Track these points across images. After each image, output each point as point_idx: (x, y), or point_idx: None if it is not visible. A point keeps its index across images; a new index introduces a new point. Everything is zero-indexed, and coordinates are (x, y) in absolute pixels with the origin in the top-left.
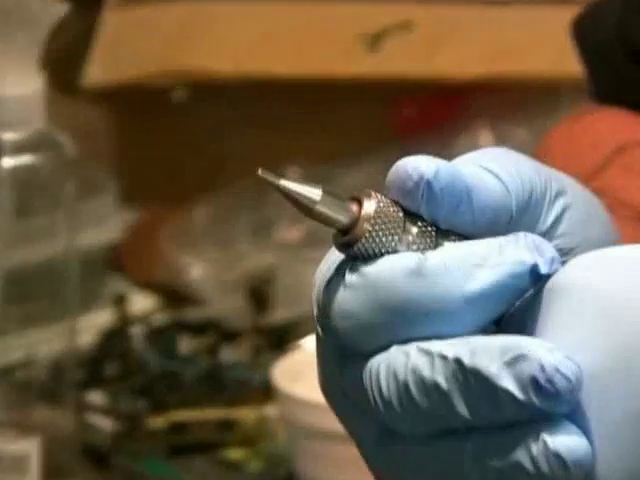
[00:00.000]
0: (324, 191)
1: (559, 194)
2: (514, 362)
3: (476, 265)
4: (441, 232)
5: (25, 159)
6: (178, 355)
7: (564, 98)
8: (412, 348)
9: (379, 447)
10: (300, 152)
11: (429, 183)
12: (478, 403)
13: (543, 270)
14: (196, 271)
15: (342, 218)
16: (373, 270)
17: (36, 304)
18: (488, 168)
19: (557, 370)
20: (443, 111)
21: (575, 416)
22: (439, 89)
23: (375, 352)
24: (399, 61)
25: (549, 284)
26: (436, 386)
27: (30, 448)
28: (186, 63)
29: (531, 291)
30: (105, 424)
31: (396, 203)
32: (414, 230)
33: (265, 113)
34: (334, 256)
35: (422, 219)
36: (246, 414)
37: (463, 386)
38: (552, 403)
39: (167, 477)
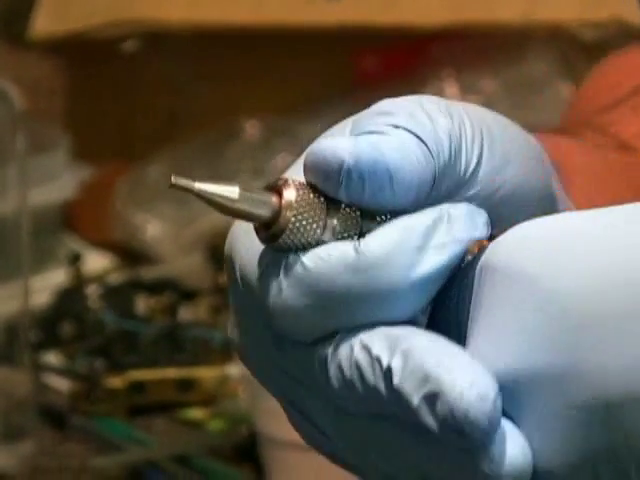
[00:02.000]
0: (241, 188)
1: (475, 135)
2: (432, 399)
3: (417, 248)
4: (365, 212)
5: None
6: (135, 315)
7: (533, 47)
8: (356, 342)
9: (336, 421)
10: (258, 104)
11: (349, 171)
12: (407, 417)
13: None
14: (152, 229)
15: (263, 212)
16: (308, 263)
17: None
18: (413, 131)
19: (466, 416)
20: (406, 61)
21: (510, 409)
22: (402, 38)
23: (317, 341)
24: (359, 10)
25: (482, 261)
26: (377, 391)
27: None
28: (136, 12)
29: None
30: (62, 385)
31: (316, 188)
32: (338, 215)
33: (220, 64)
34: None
35: (344, 212)
36: (206, 373)
37: (395, 400)
38: (466, 441)
39: (126, 437)
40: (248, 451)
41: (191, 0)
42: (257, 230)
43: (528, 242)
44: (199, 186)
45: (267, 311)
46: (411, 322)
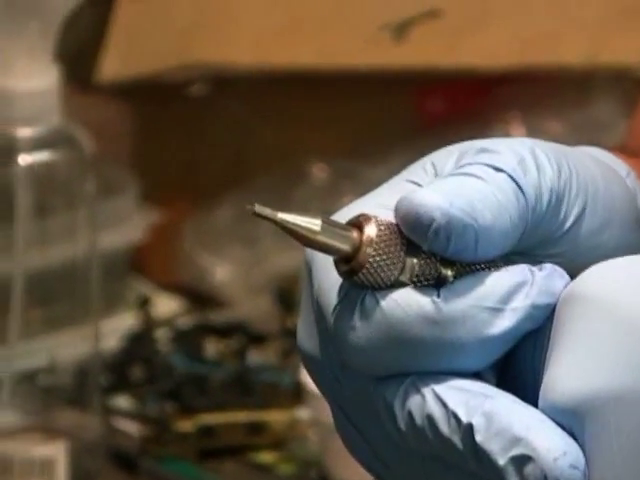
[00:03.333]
0: (323, 220)
1: (578, 195)
2: (521, 462)
3: (493, 310)
4: (443, 258)
5: (42, 156)
6: (205, 358)
7: (598, 89)
8: (428, 392)
9: (398, 454)
10: (325, 146)
11: (437, 230)
12: (488, 476)
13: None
14: (221, 272)
15: (344, 246)
16: (386, 308)
17: (58, 307)
18: (513, 176)
19: None
20: (472, 102)
21: (589, 435)
22: (468, 80)
23: (383, 378)
24: (426, 51)
25: (565, 292)
26: (452, 444)
27: (57, 452)
28: (203, 56)
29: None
30: (132, 428)
31: (398, 226)
32: (418, 258)
33: (288, 106)
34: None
35: (424, 255)
36: (275, 417)
37: (475, 454)
38: None
39: None
40: None
41: (257, 43)
42: (336, 263)
43: (620, 273)
44: (282, 216)
45: (338, 342)
46: (478, 374)
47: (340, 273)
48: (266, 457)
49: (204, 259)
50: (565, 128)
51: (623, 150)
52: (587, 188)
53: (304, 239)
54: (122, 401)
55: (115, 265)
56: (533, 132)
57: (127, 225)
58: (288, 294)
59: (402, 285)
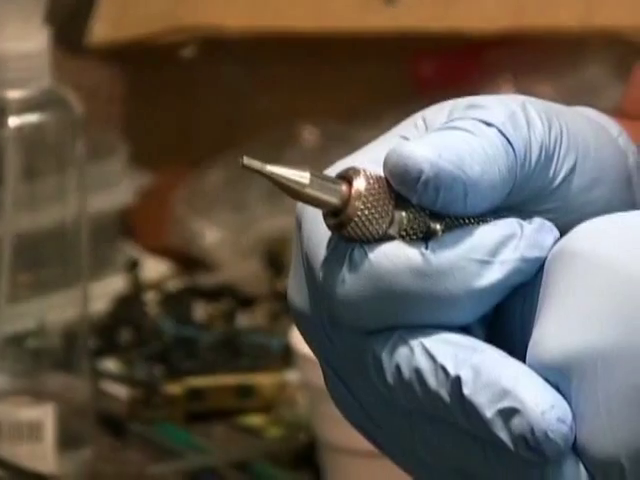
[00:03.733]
0: (312, 174)
1: (569, 152)
2: (508, 414)
3: (482, 262)
4: (434, 212)
5: (32, 118)
6: (194, 321)
7: (590, 53)
8: (416, 345)
9: (385, 409)
10: (316, 110)
11: (426, 182)
12: (475, 429)
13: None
14: (210, 236)
15: (333, 199)
16: (375, 260)
17: (47, 270)
18: (502, 131)
19: (546, 436)
20: (463, 66)
21: (578, 391)
22: (459, 43)
23: (372, 332)
24: (418, 14)
25: (557, 248)
26: (439, 397)
27: (44, 415)
28: (195, 19)
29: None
30: (121, 392)
31: (387, 180)
32: (406, 211)
33: (279, 70)
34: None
35: (412, 209)
36: (264, 380)
37: (462, 407)
38: (540, 458)
39: (184, 444)
40: (307, 458)
41: (250, 7)
42: (325, 216)
43: (612, 229)
44: (270, 169)
45: (327, 296)
46: (466, 328)
47: (329, 226)
48: (255, 420)
49: (194, 223)
50: (557, 91)
51: (617, 113)
52: (578, 146)
53: (292, 192)
54: (110, 364)
55: (104, 228)
56: (523, 95)
57: (117, 188)
58: (277, 257)
59: (391, 239)
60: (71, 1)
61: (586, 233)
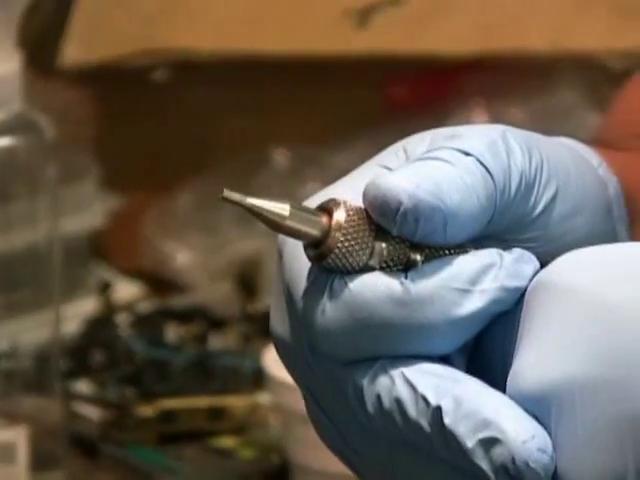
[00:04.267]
0: (292, 206)
1: (549, 181)
2: (489, 444)
3: (461, 292)
4: (413, 242)
5: (3, 142)
6: (165, 343)
7: (561, 76)
8: (397, 375)
9: (364, 438)
10: (288, 132)
11: (405, 213)
12: (455, 459)
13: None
14: (182, 258)
15: (313, 231)
16: (355, 290)
17: (19, 292)
18: (481, 160)
19: (527, 465)
20: (435, 90)
21: (558, 421)
22: (431, 66)
23: (353, 361)
24: (388, 38)
25: (536, 280)
26: (420, 426)
27: (17, 437)
28: (167, 41)
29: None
30: (93, 413)
31: (367, 212)
32: (387, 242)
33: (250, 93)
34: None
35: (392, 240)
36: (236, 402)
37: (443, 437)
38: None
39: (157, 465)
40: (279, 479)
41: (221, 30)
42: (305, 248)
43: (591, 262)
44: (250, 201)
45: (308, 326)
46: (447, 358)
47: (309, 258)
48: (227, 442)
49: (165, 245)
50: (528, 115)
51: (596, 142)
52: (558, 175)
53: (273, 224)
54: (83, 386)
55: (76, 250)
56: (496, 119)
57: (88, 211)
58: (249, 279)
59: (371, 270)
60: (42, 24)
61: (565, 265)
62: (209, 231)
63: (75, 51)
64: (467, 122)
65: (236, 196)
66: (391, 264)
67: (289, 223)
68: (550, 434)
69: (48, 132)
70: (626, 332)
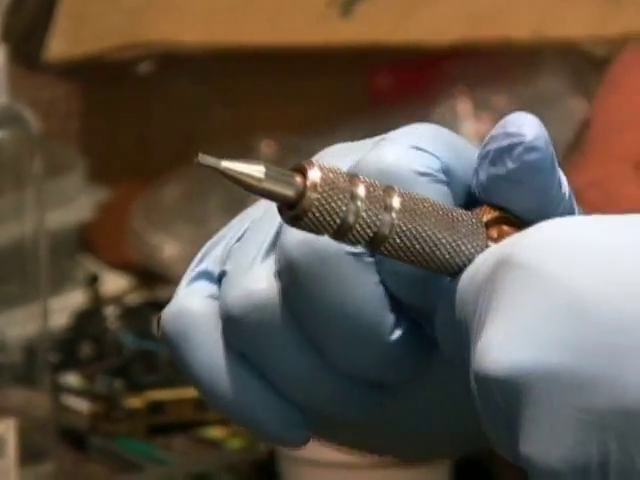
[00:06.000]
0: (267, 167)
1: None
2: None
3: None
4: (387, 190)
5: None
6: (153, 335)
7: (545, 63)
8: None
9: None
10: (273, 123)
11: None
12: None
13: None
14: (169, 249)
15: (289, 192)
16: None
17: (7, 286)
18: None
19: None
20: (419, 78)
21: (525, 405)
22: (414, 56)
23: None
24: (373, 27)
25: (504, 256)
26: None
27: (6, 430)
28: (151, 34)
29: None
30: (82, 405)
31: (340, 170)
32: (362, 194)
33: (235, 84)
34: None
35: (369, 184)
36: None
37: None
38: None
39: (146, 457)
40: (267, 469)
41: (205, 21)
42: (280, 210)
43: (558, 243)
44: (225, 164)
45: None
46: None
47: (285, 221)
48: (215, 432)
49: (153, 237)
50: (512, 102)
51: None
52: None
53: (248, 186)
54: (71, 379)
55: (63, 244)
56: (480, 106)
57: (75, 204)
58: None
59: (348, 229)
60: (27, 18)
61: (535, 243)
62: (196, 222)
63: (60, 45)
64: (451, 110)
65: (211, 160)
66: (364, 226)
67: (265, 185)
68: (519, 420)
69: (34, 126)
70: (591, 324)
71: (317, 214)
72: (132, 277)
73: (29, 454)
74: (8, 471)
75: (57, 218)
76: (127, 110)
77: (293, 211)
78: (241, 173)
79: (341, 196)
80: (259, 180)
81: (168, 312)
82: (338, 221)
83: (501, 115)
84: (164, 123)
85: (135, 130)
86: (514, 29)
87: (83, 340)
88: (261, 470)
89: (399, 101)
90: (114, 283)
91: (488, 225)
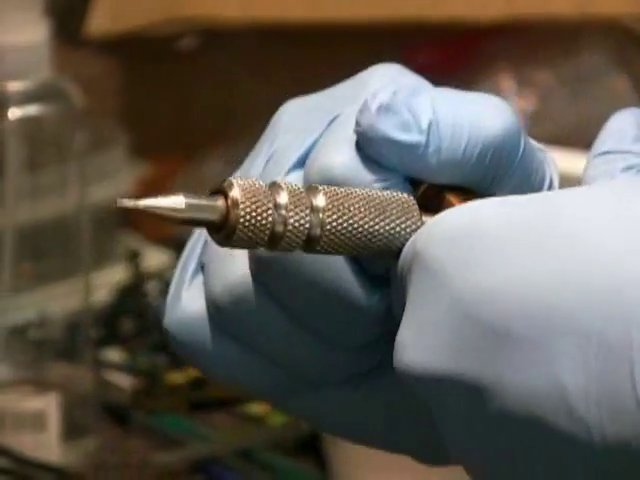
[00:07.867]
0: (186, 196)
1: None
2: None
3: None
4: (311, 190)
5: (32, 110)
6: None
7: (587, 41)
8: None
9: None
10: None
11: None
12: None
13: None
14: None
15: (212, 216)
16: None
17: (48, 261)
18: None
19: None
20: (460, 55)
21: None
22: (455, 32)
23: None
24: (412, 3)
25: (416, 247)
26: None
27: (48, 405)
28: (193, 9)
29: None
30: (123, 381)
31: (259, 182)
32: (284, 201)
33: (276, 61)
34: None
35: (291, 189)
36: None
37: None
38: None
39: (187, 433)
40: (310, 445)
41: None
42: (211, 234)
43: (455, 238)
44: (144, 203)
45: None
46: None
47: (218, 243)
48: (257, 409)
49: None
50: (555, 79)
51: None
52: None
53: (172, 219)
54: (113, 354)
55: (105, 219)
56: (522, 83)
57: (117, 179)
58: None
59: (280, 238)
60: None
61: (438, 236)
62: None
63: (102, 20)
64: (494, 87)
65: (129, 202)
66: (295, 232)
67: (187, 215)
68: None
69: (77, 100)
70: (470, 326)
71: (245, 231)
72: (173, 252)
73: (71, 429)
74: (50, 446)
75: (99, 193)
76: (168, 86)
77: (222, 233)
78: (162, 208)
79: (265, 208)
80: (181, 211)
81: (176, 321)
82: (268, 233)
83: (543, 92)
84: (205, 99)
85: (176, 106)
86: (556, 5)
87: (124, 316)
88: (304, 446)
89: (439, 79)
90: (155, 258)
91: (431, 197)
